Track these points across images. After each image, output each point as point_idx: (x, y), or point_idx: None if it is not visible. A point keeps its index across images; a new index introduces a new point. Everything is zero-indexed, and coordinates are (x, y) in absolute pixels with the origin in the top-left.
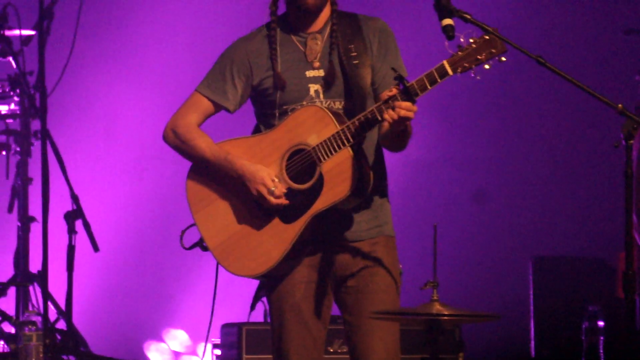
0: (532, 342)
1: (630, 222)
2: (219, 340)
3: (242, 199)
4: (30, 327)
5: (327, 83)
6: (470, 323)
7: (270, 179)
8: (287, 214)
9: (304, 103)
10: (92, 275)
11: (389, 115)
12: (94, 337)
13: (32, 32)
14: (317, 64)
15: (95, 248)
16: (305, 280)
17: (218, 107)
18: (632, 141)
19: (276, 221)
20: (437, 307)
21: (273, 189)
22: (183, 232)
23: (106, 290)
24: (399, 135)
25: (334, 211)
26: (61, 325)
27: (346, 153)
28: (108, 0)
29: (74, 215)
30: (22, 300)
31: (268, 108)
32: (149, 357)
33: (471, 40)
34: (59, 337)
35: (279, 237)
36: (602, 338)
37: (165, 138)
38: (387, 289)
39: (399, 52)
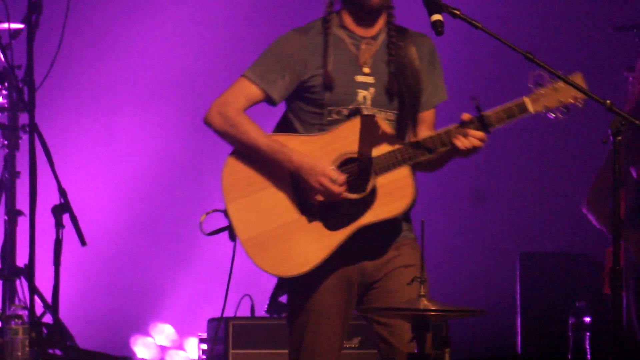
0: (519, 338)
1: (617, 218)
2: (205, 334)
3: (286, 194)
4: (16, 320)
5: (377, 92)
6: (457, 318)
7: (330, 168)
8: (331, 221)
9: (351, 107)
10: (79, 269)
11: (461, 142)
12: (81, 331)
13: (20, 26)
14: (367, 70)
15: (83, 242)
16: (332, 290)
17: (265, 96)
18: (619, 137)
19: (318, 225)
20: (424, 303)
21: (336, 177)
22: (204, 216)
23: (93, 284)
24: (448, 160)
25: (377, 225)
26: (47, 319)
27: (405, 171)
28: None
29: (62, 209)
30: (9, 293)
31: (313, 106)
32: (135, 351)
33: (553, 82)
34: (45, 330)
35: (320, 243)
36: (588, 334)
37: (209, 120)
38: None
39: (443, 74)
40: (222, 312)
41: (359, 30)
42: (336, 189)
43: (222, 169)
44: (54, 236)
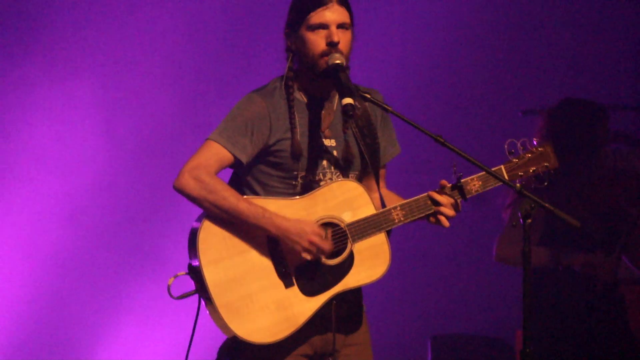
0: None
1: (528, 300)
2: None
3: (264, 259)
4: None
5: (340, 154)
6: None
7: (319, 226)
8: (308, 286)
9: (317, 171)
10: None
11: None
12: None
13: None
14: (328, 133)
15: None
16: (297, 354)
17: (234, 160)
18: (529, 220)
19: (296, 290)
20: None
21: (324, 235)
22: (172, 279)
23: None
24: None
25: (350, 290)
26: None
27: (382, 237)
28: None
29: None
30: None
31: (277, 170)
32: None
33: (526, 151)
34: None
35: (298, 308)
36: None
37: (183, 186)
38: None
39: (393, 126)
40: None
41: (317, 92)
42: (327, 245)
43: (198, 232)
44: None
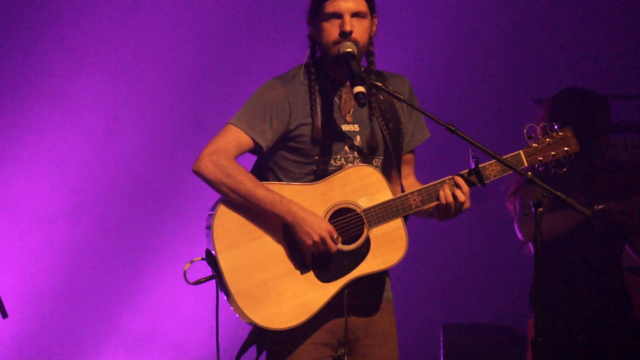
0: None
1: (539, 288)
2: None
3: (279, 245)
4: None
5: (363, 140)
6: None
7: (331, 225)
8: (324, 272)
9: (338, 157)
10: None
11: (444, 193)
12: None
13: None
14: (350, 119)
15: (4, 314)
16: (317, 343)
17: (254, 144)
18: (541, 209)
19: (311, 277)
20: None
21: (336, 235)
22: (188, 265)
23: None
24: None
25: (366, 278)
26: None
27: (399, 222)
28: None
29: None
30: None
31: (298, 156)
32: None
33: (546, 136)
34: None
35: (314, 294)
36: None
37: (201, 169)
38: (390, 355)
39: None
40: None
41: (339, 78)
42: (334, 248)
43: (214, 217)
44: None
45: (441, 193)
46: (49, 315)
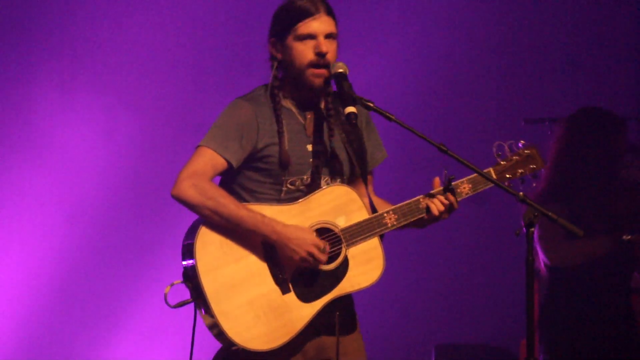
0: None
1: (531, 309)
2: None
3: (261, 265)
4: None
5: (328, 159)
6: None
7: (318, 238)
8: (306, 292)
9: (304, 177)
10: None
11: (435, 205)
12: None
13: None
14: (314, 139)
15: None
16: None
17: (227, 165)
18: (532, 229)
19: (292, 297)
20: None
21: (323, 247)
22: (168, 287)
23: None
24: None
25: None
26: None
27: (375, 241)
28: None
29: None
30: None
31: (265, 176)
32: None
33: (513, 154)
34: None
35: (295, 314)
36: None
37: (182, 194)
38: None
39: (377, 131)
40: None
41: (302, 99)
42: (324, 258)
43: (196, 239)
44: None
45: (432, 206)
46: (48, 316)
